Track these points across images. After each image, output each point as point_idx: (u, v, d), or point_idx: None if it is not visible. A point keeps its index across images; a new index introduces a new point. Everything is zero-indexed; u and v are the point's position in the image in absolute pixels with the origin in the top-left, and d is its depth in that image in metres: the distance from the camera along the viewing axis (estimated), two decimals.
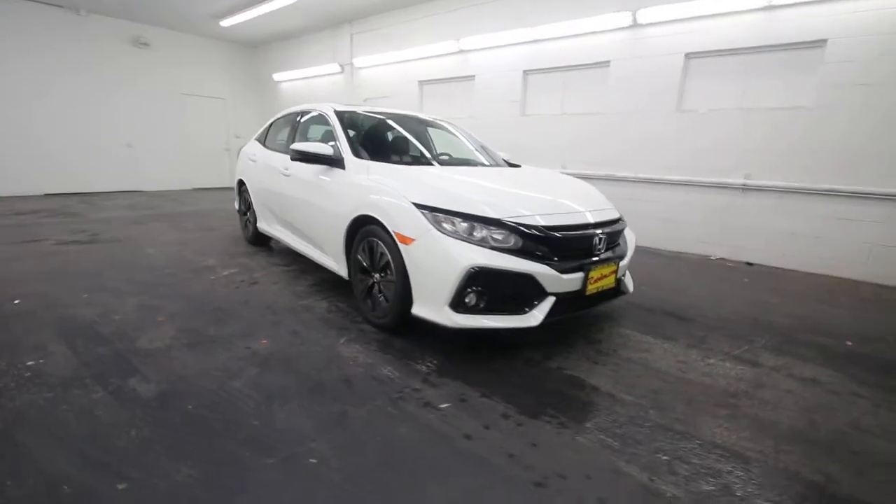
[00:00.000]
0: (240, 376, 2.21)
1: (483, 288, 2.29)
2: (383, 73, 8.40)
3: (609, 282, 2.64)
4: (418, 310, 2.44)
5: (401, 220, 2.48)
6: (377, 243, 2.70)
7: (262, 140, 4.76)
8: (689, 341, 2.85)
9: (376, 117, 3.81)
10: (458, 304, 2.30)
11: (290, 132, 4.18)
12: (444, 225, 2.36)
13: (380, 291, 2.76)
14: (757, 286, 4.18)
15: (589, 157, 6.12)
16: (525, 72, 6.58)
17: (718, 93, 5.12)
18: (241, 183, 5.04)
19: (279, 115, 4.66)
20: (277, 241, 4.61)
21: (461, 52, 7.16)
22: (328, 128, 3.69)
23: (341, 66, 9.07)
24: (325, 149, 3.20)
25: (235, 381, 2.17)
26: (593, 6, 5.68)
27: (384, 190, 2.67)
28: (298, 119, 4.13)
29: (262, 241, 4.95)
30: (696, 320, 3.21)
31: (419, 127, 4.03)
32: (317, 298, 3.36)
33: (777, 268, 4.88)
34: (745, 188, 5.03)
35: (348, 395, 2.08)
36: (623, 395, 2.18)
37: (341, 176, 3.10)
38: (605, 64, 5.84)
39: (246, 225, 5.06)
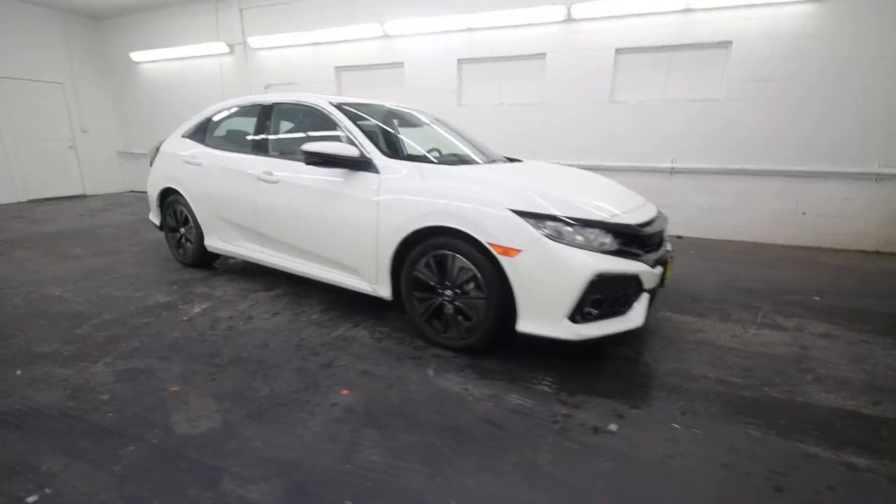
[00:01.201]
0: (359, 443, 1.77)
1: (598, 295, 2.19)
2: (290, 56, 7.44)
3: (669, 272, 2.76)
4: (527, 326, 2.24)
5: (498, 229, 2.22)
6: (453, 257, 2.39)
7: (200, 138, 3.83)
8: (717, 315, 3.16)
9: (379, 110, 3.34)
10: (576, 315, 2.17)
11: (258, 129, 3.43)
12: (551, 232, 2.19)
13: (459, 311, 2.46)
14: (703, 257, 4.83)
15: (529, 147, 6.30)
16: (460, 60, 6.45)
17: (646, 86, 5.71)
18: (167, 192, 4.02)
19: (223, 107, 3.80)
20: (225, 260, 3.82)
21: (386, 36, 6.70)
22: (320, 124, 3.13)
23: (230, 45, 7.78)
24: (349, 150, 2.70)
25: (360, 450, 1.73)
26: None
27: (462, 196, 2.36)
28: (268, 113, 3.41)
29: (205, 262, 4.04)
30: (699, 295, 3.58)
31: (414, 120, 3.67)
32: (348, 326, 2.87)
33: (701, 238, 5.72)
34: (672, 171, 5.74)
35: (509, 439, 1.82)
36: (732, 378, 2.32)
37: (375, 182, 2.66)
38: (542, 56, 6.04)
39: (181, 244, 4.07)
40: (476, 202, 2.31)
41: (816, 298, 3.53)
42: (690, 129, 5.54)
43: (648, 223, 2.50)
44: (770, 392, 2.20)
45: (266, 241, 3.38)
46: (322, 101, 3.12)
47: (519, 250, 2.18)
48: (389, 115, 3.48)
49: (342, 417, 1.93)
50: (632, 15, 5.48)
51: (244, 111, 3.68)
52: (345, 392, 2.13)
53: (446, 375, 2.29)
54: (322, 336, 2.73)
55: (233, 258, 4.19)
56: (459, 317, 2.47)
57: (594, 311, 2.21)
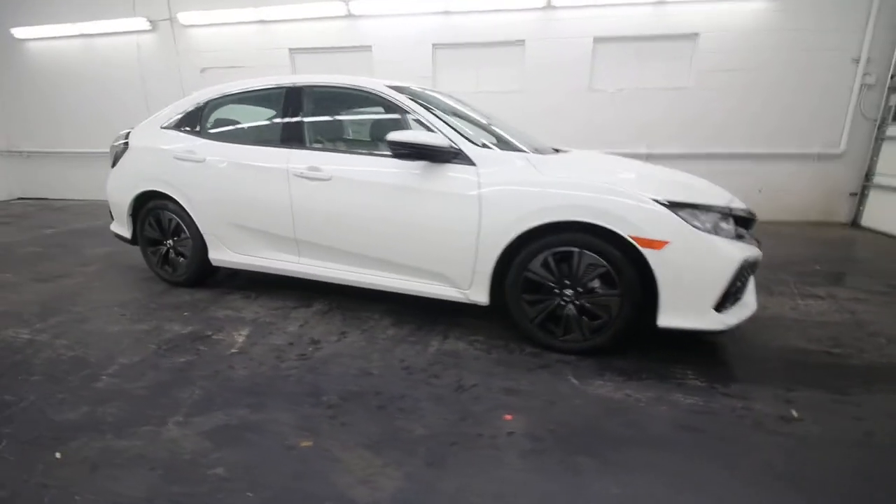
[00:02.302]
0: (579, 473, 1.55)
1: (739, 282, 2.18)
2: (232, 35, 6.49)
3: None
4: (670, 320, 2.15)
5: (643, 221, 2.08)
6: (580, 254, 2.21)
7: (194, 129, 3.14)
8: (762, 290, 3.37)
9: (431, 94, 2.98)
10: (721, 305, 2.14)
11: (286, 117, 2.87)
12: (695, 222, 2.11)
13: (582, 311, 2.29)
14: None
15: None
16: (435, 45, 6.14)
17: (622, 74, 5.92)
18: (145, 197, 3.26)
19: (222, 91, 3.14)
20: (221, 276, 3.22)
21: (351, 16, 6.13)
22: (371, 110, 2.75)
23: (152, 21, 6.57)
24: (440, 140, 2.37)
25: (591, 484, 1.51)
26: None
27: (594, 187, 2.18)
28: (297, 98, 2.86)
29: (202, 279, 3.36)
30: None
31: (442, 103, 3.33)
32: (438, 339, 2.55)
33: None
34: (648, 156, 6.05)
35: (720, 443, 1.72)
36: (832, 349, 2.47)
37: (472, 174, 2.36)
38: (521, 43, 5.97)
39: (168, 259, 3.33)
40: (614, 193, 2.14)
41: (818, 267, 3.94)
42: (663, 115, 5.87)
43: (749, 210, 2.55)
44: (871, 357, 2.37)
45: (306, 250, 2.88)
46: (377, 84, 2.71)
47: (666, 242, 2.07)
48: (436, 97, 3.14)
49: (535, 447, 1.68)
50: (609, 4, 5.62)
51: (257, 96, 3.07)
52: (508, 417, 1.87)
53: (593, 382, 2.13)
54: (420, 354, 2.39)
55: (233, 271, 3.54)
56: (583, 317, 2.31)
57: (733, 299, 2.20)
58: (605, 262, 2.19)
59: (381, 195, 2.55)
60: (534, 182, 2.27)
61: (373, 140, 3.00)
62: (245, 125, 3.13)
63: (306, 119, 2.85)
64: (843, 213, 5.80)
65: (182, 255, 3.29)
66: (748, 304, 2.34)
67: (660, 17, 5.59)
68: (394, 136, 2.35)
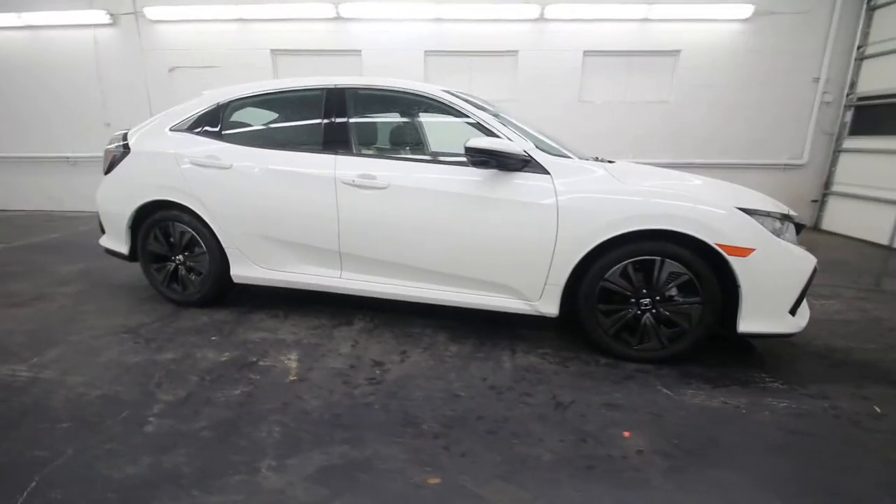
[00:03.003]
0: (730, 492, 1.51)
1: (809, 286, 2.26)
2: (206, 33, 6.02)
3: None
4: (751, 325, 2.18)
5: (730, 229, 2.11)
6: (661, 262, 2.20)
7: (213, 132, 2.83)
8: None
9: (482, 101, 2.87)
10: (794, 309, 2.21)
11: (327, 121, 2.65)
12: (774, 229, 2.17)
13: (661, 320, 2.28)
14: None
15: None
16: (427, 52, 6.05)
17: (610, 87, 6.14)
18: (150, 208, 2.89)
19: (244, 92, 2.86)
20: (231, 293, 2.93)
21: (339, 18, 5.91)
22: (424, 115, 2.61)
23: (112, 15, 5.96)
24: (515, 147, 2.28)
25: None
26: None
27: (680, 196, 2.18)
28: (340, 101, 2.65)
29: (213, 300, 3.02)
30: None
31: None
32: (507, 354, 2.44)
33: None
34: None
35: (836, 445, 1.75)
36: (868, 345, 2.63)
37: (548, 183, 2.29)
38: (514, 53, 6.03)
39: (177, 277, 2.97)
40: (700, 202, 2.16)
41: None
42: (648, 127, 6.15)
43: None
44: None
45: (351, 264, 2.66)
46: (432, 88, 2.57)
47: (752, 249, 2.11)
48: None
49: (672, 465, 1.62)
50: (598, 20, 5.82)
51: (290, 97, 2.82)
52: (627, 434, 1.79)
53: (684, 391, 2.11)
54: (497, 371, 2.27)
55: (242, 287, 3.22)
56: (661, 326, 2.30)
57: (801, 303, 2.28)
58: (686, 270, 2.19)
59: (446, 205, 2.42)
60: (617, 191, 2.23)
61: (428, 146, 2.86)
62: (278, 128, 2.87)
63: (353, 123, 2.65)
64: (806, 219, 6.33)
65: (195, 271, 2.94)
66: (805, 307, 2.44)
67: (645, 33, 5.87)
68: (473, 142, 2.23)
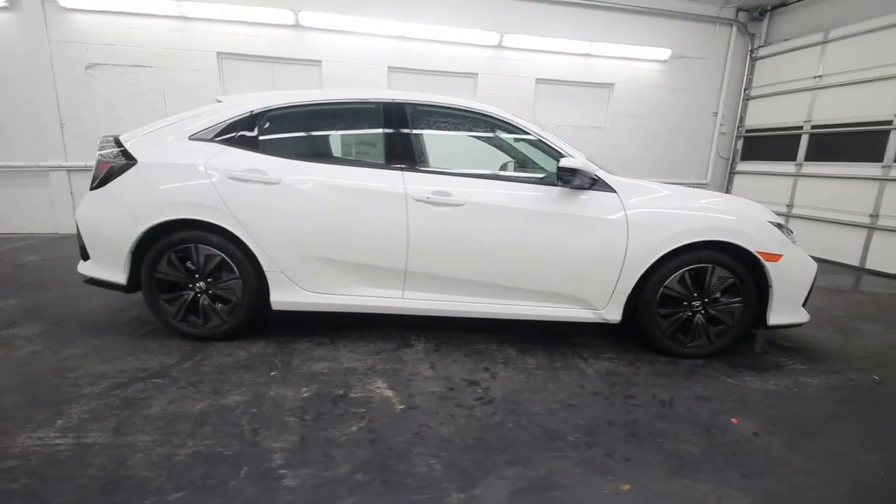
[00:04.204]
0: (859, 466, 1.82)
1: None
2: (136, 28, 5.24)
3: None
4: (778, 319, 2.61)
5: (766, 239, 2.51)
6: (713, 269, 2.54)
7: (248, 142, 2.53)
8: None
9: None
10: (805, 302, 2.70)
11: (388, 136, 2.55)
12: (788, 237, 2.64)
13: (711, 320, 2.61)
14: None
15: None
16: (390, 68, 6.02)
17: (559, 112, 6.71)
18: (164, 229, 2.47)
19: (284, 101, 2.61)
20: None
21: (299, 26, 5.60)
22: (495, 137, 2.69)
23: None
24: (591, 167, 2.47)
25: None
26: (466, 20, 5.95)
27: (725, 211, 2.55)
28: (400, 116, 2.57)
29: (240, 332, 2.67)
30: None
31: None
32: (581, 362, 2.57)
33: None
34: None
35: (884, 409, 2.19)
36: (826, 327, 3.29)
37: (615, 201, 2.50)
38: (474, 76, 6.30)
39: (196, 307, 2.56)
40: (741, 216, 2.54)
41: None
42: (589, 149, 6.78)
43: None
44: (847, 339, 3.25)
45: (415, 283, 2.58)
46: (501, 111, 2.66)
47: (780, 255, 2.54)
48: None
49: (787, 441, 1.89)
50: (548, 52, 6.36)
51: (338, 110, 2.66)
52: (735, 421, 2.04)
53: (742, 379, 2.45)
54: (587, 378, 2.38)
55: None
56: (710, 324, 2.63)
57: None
58: (731, 275, 2.56)
59: (520, 221, 2.49)
60: (678, 207, 2.54)
61: (492, 164, 2.90)
62: (330, 141, 2.66)
63: (417, 139, 2.59)
64: None
65: (222, 300, 2.58)
66: None
67: (586, 67, 6.57)
68: (565, 162, 2.39)
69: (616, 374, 2.44)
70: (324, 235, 2.50)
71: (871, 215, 5.17)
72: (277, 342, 2.66)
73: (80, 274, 2.65)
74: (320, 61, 5.81)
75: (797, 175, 6.13)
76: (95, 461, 1.61)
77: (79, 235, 2.61)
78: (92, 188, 2.55)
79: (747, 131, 6.98)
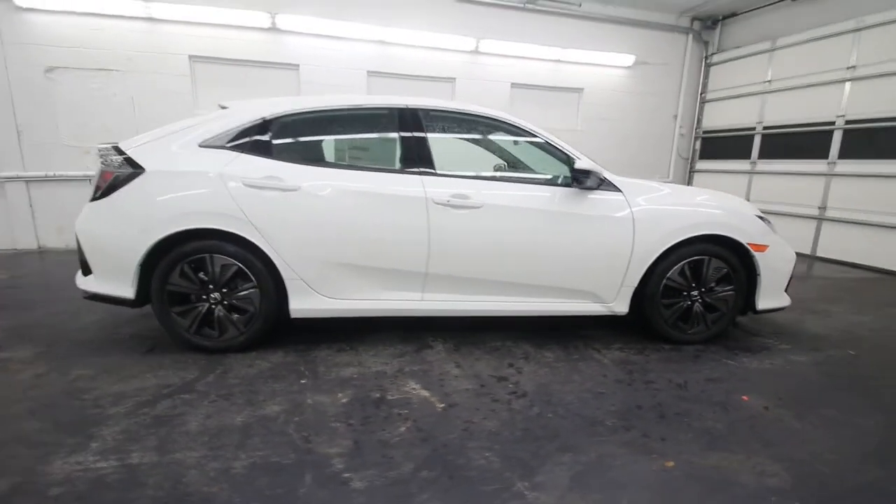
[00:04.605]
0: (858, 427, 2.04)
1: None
2: (103, 29, 4.94)
3: None
4: (765, 304, 2.86)
5: (755, 231, 2.76)
6: (709, 260, 2.75)
7: (262, 148, 2.49)
8: None
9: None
10: (786, 287, 2.97)
11: (405, 141, 2.59)
12: (772, 229, 2.89)
13: (708, 307, 2.82)
14: None
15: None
16: (370, 72, 6.01)
17: (534, 115, 6.82)
18: (176, 240, 2.39)
19: (304, 108, 2.59)
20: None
21: (275, 30, 5.49)
22: (507, 141, 2.80)
23: None
24: (600, 168, 2.61)
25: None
26: (444, 25, 6.05)
27: (719, 207, 2.78)
28: (415, 121, 2.62)
29: (256, 343, 2.62)
30: None
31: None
32: (594, 353, 2.71)
33: None
34: None
35: (868, 379, 2.45)
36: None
37: (621, 199, 2.67)
38: (452, 80, 6.40)
39: (210, 319, 2.49)
40: (733, 212, 2.77)
41: None
42: None
43: None
44: (820, 321, 3.60)
45: (434, 284, 2.63)
46: (510, 116, 2.78)
47: (767, 246, 2.79)
48: None
49: (795, 413, 2.10)
50: (521, 58, 6.56)
51: (351, 116, 2.66)
52: (745, 398, 2.23)
53: (740, 361, 2.67)
54: (606, 368, 2.52)
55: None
56: (707, 313, 2.85)
57: None
58: (725, 265, 2.78)
59: (538, 221, 2.61)
60: (679, 204, 2.74)
61: (504, 167, 3.00)
62: (345, 147, 2.66)
63: (433, 143, 2.64)
64: None
65: (238, 310, 2.52)
66: None
67: (557, 73, 6.82)
68: (579, 164, 2.53)
69: (630, 363, 2.60)
70: (344, 241, 2.51)
71: (819, 207, 5.71)
72: (296, 350, 2.63)
73: (80, 290, 2.52)
74: (298, 65, 5.72)
75: (752, 172, 6.65)
76: (149, 481, 1.56)
77: (79, 249, 2.48)
78: (93, 199, 2.43)
79: (704, 132, 7.49)
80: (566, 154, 2.73)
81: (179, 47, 5.27)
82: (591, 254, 2.67)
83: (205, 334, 2.53)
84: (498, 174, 2.78)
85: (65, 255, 5.03)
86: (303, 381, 2.28)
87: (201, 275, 2.47)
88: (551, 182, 2.73)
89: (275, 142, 2.55)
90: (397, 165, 2.61)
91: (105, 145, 2.51)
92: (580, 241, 2.65)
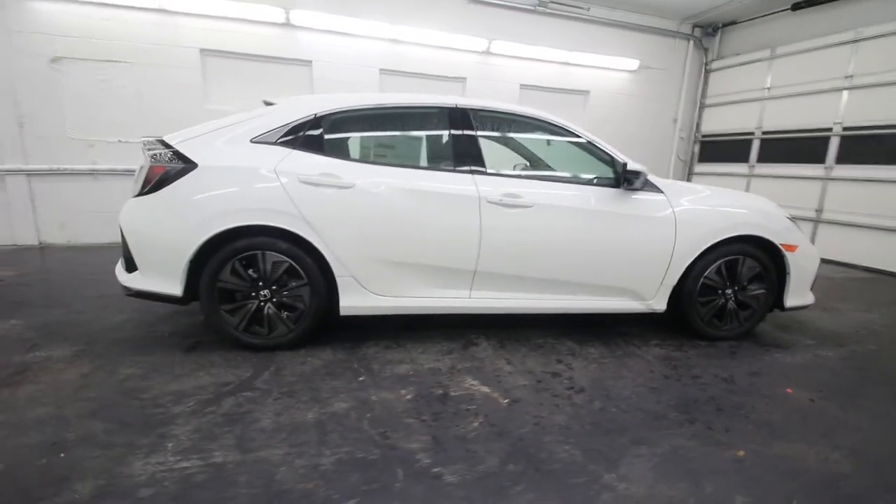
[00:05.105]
0: None
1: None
2: (114, 20, 4.80)
3: None
4: (793, 301, 2.98)
5: (786, 232, 2.87)
6: (743, 260, 2.85)
7: (314, 145, 2.48)
8: None
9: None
10: (811, 286, 3.10)
11: (456, 140, 2.61)
12: (800, 230, 3.02)
13: (740, 305, 2.92)
14: None
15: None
16: (382, 70, 5.99)
17: None
18: (227, 237, 2.36)
19: (353, 106, 2.58)
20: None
21: (289, 25, 5.42)
22: (556, 142, 2.86)
23: None
24: (646, 170, 2.68)
25: None
26: (456, 25, 6.07)
27: (755, 208, 2.88)
28: (465, 121, 2.64)
29: (306, 340, 2.61)
30: None
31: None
32: (635, 349, 2.78)
33: None
34: None
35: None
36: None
37: (663, 200, 2.74)
38: (463, 80, 6.42)
39: (260, 316, 2.47)
40: (766, 213, 2.88)
41: None
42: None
43: None
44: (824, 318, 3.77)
45: (483, 282, 2.65)
46: (554, 117, 2.84)
47: (797, 246, 2.91)
48: None
49: (839, 404, 2.20)
50: (530, 59, 6.64)
51: (403, 114, 2.68)
52: (790, 391, 2.33)
53: (774, 355, 2.78)
54: (650, 364, 2.59)
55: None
56: (739, 310, 2.95)
57: None
58: (758, 265, 2.89)
59: (585, 221, 2.66)
60: (718, 205, 2.83)
61: (551, 167, 3.05)
62: (397, 144, 2.66)
63: (484, 143, 2.67)
64: None
65: (288, 307, 2.50)
66: None
67: (564, 75, 6.93)
68: (632, 165, 2.58)
69: (672, 359, 2.68)
70: (398, 238, 2.51)
71: (816, 210, 5.94)
72: (343, 348, 2.62)
73: (122, 287, 2.45)
74: (311, 61, 5.66)
75: (750, 175, 6.88)
76: (240, 479, 1.55)
77: (124, 245, 2.42)
78: (140, 194, 2.38)
79: (703, 136, 7.71)
80: (610, 155, 2.80)
81: (191, 40, 5.15)
82: (635, 252, 2.74)
83: (254, 332, 2.50)
84: (546, 174, 2.82)
85: (67, 251, 4.88)
86: (361, 379, 2.28)
87: (251, 272, 2.45)
88: (597, 182, 2.78)
89: (327, 138, 2.53)
90: (449, 164, 2.62)
91: (149, 138, 2.47)
92: (625, 241, 2.71)
